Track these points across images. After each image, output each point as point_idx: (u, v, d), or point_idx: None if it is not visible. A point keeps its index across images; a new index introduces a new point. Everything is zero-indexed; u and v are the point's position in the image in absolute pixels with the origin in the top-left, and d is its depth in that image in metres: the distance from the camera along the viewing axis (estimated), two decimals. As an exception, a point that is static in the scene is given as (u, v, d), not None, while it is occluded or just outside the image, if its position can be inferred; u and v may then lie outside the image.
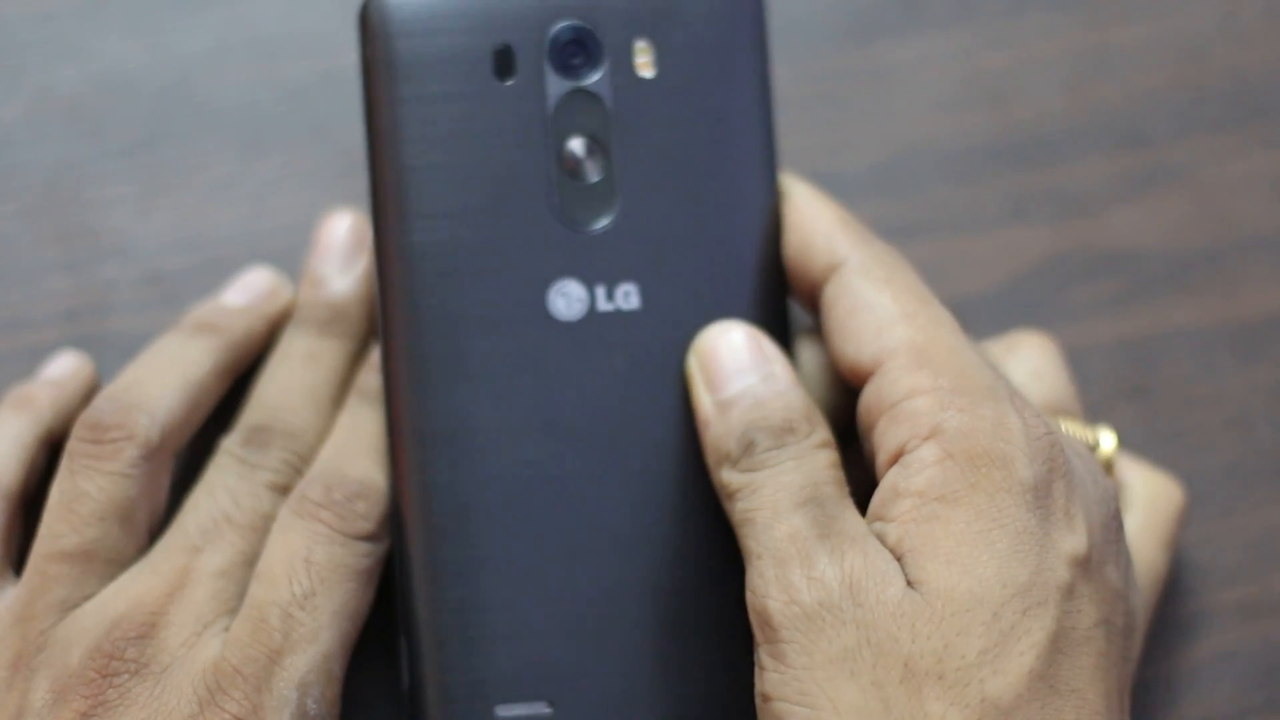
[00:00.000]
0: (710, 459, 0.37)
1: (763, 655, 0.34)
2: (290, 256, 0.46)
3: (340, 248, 0.42)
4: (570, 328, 0.39)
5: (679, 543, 0.38)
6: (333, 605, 0.37)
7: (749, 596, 0.35)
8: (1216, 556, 0.45)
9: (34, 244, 0.46)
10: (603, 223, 0.39)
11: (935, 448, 0.35)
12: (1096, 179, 0.48)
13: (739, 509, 0.36)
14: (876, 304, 0.37)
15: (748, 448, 0.36)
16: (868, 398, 0.36)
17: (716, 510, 0.38)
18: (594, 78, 0.39)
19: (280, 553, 0.37)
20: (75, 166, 0.46)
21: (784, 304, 0.39)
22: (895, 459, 0.35)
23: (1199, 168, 0.48)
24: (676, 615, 0.38)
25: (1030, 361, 0.41)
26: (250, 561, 0.38)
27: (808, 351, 0.40)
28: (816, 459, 0.36)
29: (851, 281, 0.38)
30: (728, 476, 0.36)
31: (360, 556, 0.38)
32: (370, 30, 0.39)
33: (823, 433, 0.37)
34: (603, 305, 0.39)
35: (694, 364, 0.38)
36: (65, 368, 0.43)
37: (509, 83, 0.39)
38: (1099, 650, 0.34)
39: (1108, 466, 0.41)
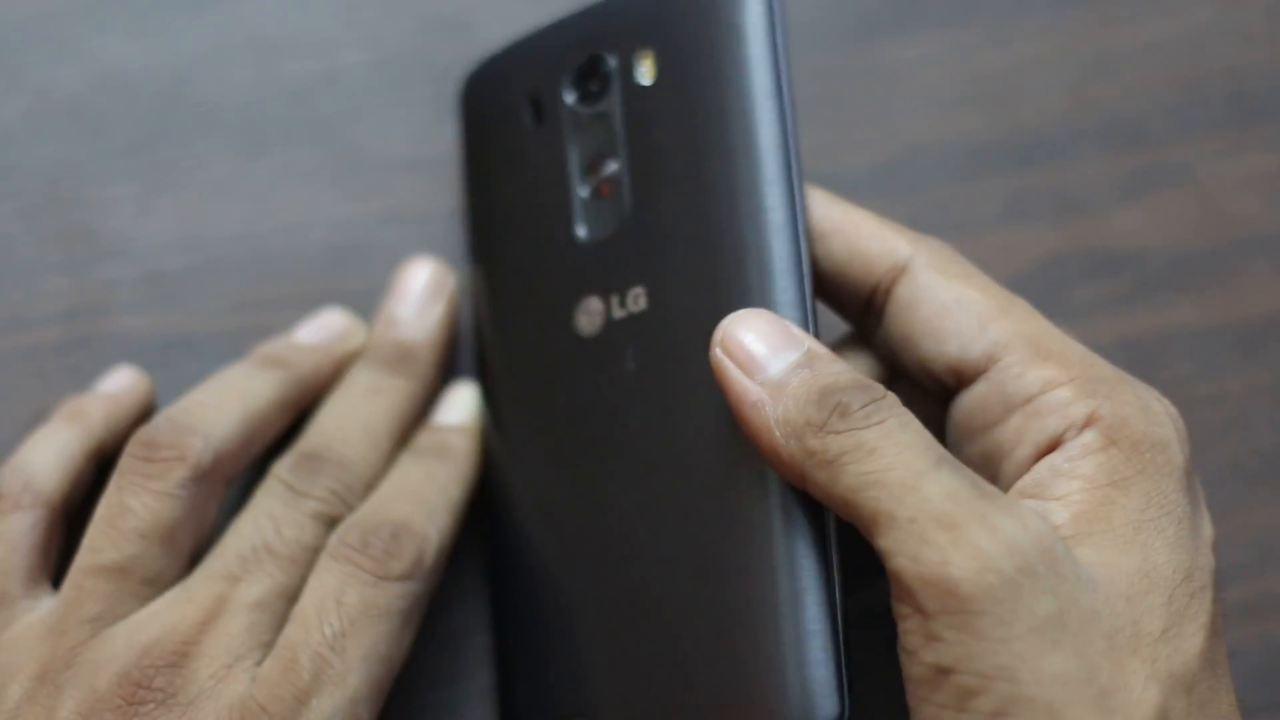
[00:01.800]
0: (779, 435, 0.34)
1: (939, 627, 0.32)
2: (289, 256, 0.46)
3: (417, 292, 0.43)
4: (593, 342, 0.39)
5: (696, 539, 0.37)
6: (362, 648, 0.37)
7: (911, 566, 0.32)
8: (1218, 555, 0.45)
9: (34, 244, 0.46)
10: (615, 235, 0.39)
11: (1097, 435, 0.35)
12: (1097, 179, 0.48)
13: (852, 473, 0.33)
14: (970, 300, 0.37)
15: (838, 409, 0.34)
16: (984, 396, 0.36)
17: (729, 501, 0.37)
18: (605, 98, 0.40)
19: (315, 594, 0.37)
20: (75, 166, 0.46)
21: (805, 303, 0.38)
22: (1048, 449, 0.35)
23: (1200, 168, 0.48)
24: (696, 610, 0.37)
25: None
26: (288, 594, 0.38)
27: None
28: (914, 419, 0.34)
29: (932, 280, 0.37)
30: (819, 442, 0.34)
31: (394, 598, 0.37)
32: (460, 104, 0.44)
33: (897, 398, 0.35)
34: (617, 313, 0.39)
35: (721, 356, 0.36)
36: (122, 382, 0.43)
37: (543, 125, 0.41)
38: (1220, 631, 0.35)
39: None
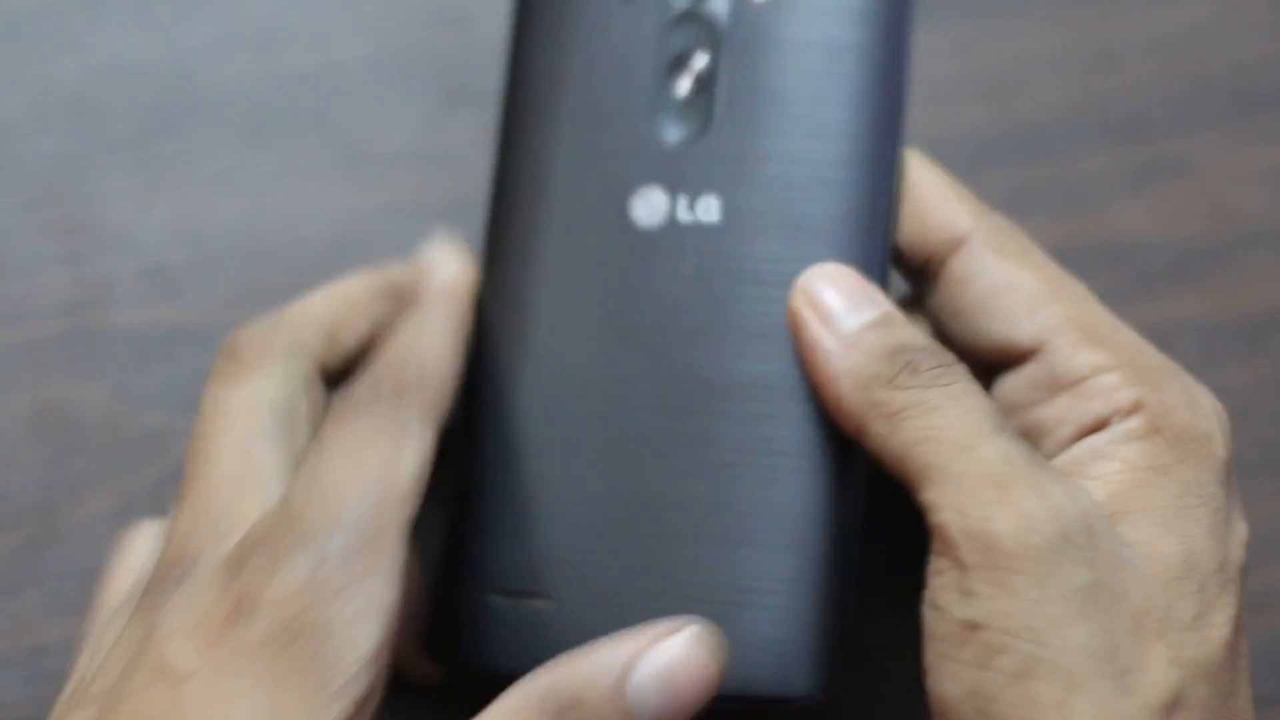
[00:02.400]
0: (845, 384, 0.35)
1: (974, 582, 0.32)
2: (290, 249, 0.46)
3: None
4: (648, 235, 0.38)
5: (713, 453, 0.37)
6: (350, 466, 0.35)
7: (953, 517, 0.33)
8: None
9: (34, 236, 0.46)
10: (696, 137, 0.39)
11: (1142, 421, 0.35)
12: (1098, 172, 0.48)
13: (912, 426, 0.34)
14: (1022, 282, 0.37)
15: (908, 366, 0.35)
16: (1031, 377, 0.36)
17: (765, 436, 0.37)
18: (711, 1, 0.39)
19: (308, 450, 0.37)
20: (76, 159, 0.46)
21: (882, 251, 0.38)
22: (1091, 431, 0.35)
23: (1201, 161, 0.48)
24: (697, 522, 0.37)
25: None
26: None
27: None
28: (979, 388, 0.35)
29: (986, 258, 0.37)
30: (885, 395, 0.35)
31: (378, 423, 0.36)
32: None
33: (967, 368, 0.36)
34: (683, 215, 0.38)
35: (801, 302, 0.36)
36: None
37: (634, 3, 0.40)
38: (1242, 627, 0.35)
39: None
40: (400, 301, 0.40)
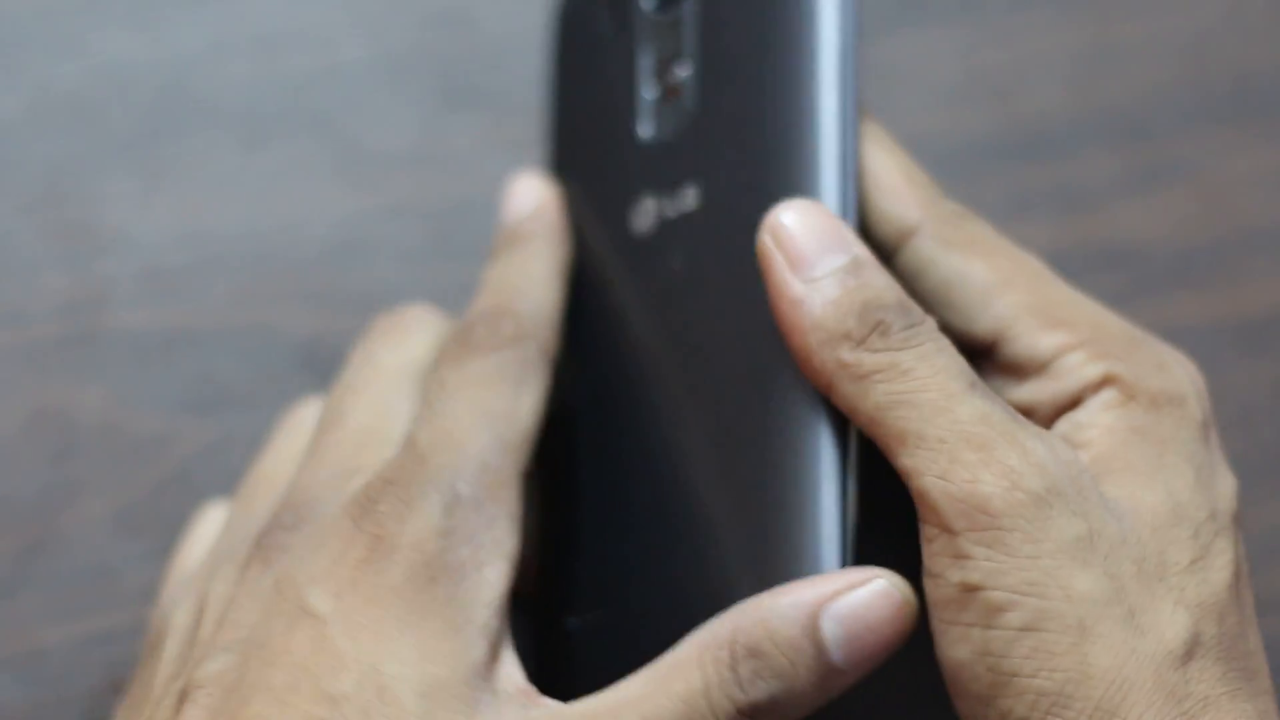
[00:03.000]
0: (812, 339, 0.34)
1: (966, 545, 0.32)
2: (290, 251, 0.46)
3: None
4: (644, 242, 0.39)
5: (725, 439, 0.36)
6: (473, 409, 0.36)
7: (935, 482, 0.32)
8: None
9: (33, 238, 0.46)
10: (675, 135, 0.39)
11: (1114, 392, 0.34)
12: (1099, 174, 0.48)
13: (884, 390, 0.33)
14: (972, 274, 0.36)
15: (877, 326, 0.34)
16: (1000, 365, 0.36)
17: (762, 404, 0.36)
18: (680, 4, 0.40)
19: (426, 389, 0.37)
20: (75, 161, 0.46)
21: (853, 207, 0.37)
22: (1067, 409, 0.35)
23: (1203, 163, 0.48)
24: (713, 511, 0.36)
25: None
26: None
27: None
28: (950, 345, 0.34)
29: (935, 252, 0.36)
30: (854, 356, 0.33)
31: (492, 365, 0.36)
32: (551, 20, 0.43)
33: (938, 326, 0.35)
34: (668, 213, 0.38)
35: (769, 242, 0.35)
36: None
37: (620, 32, 0.40)
38: (1248, 583, 0.35)
39: None
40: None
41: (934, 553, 0.33)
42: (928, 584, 0.33)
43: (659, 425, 0.38)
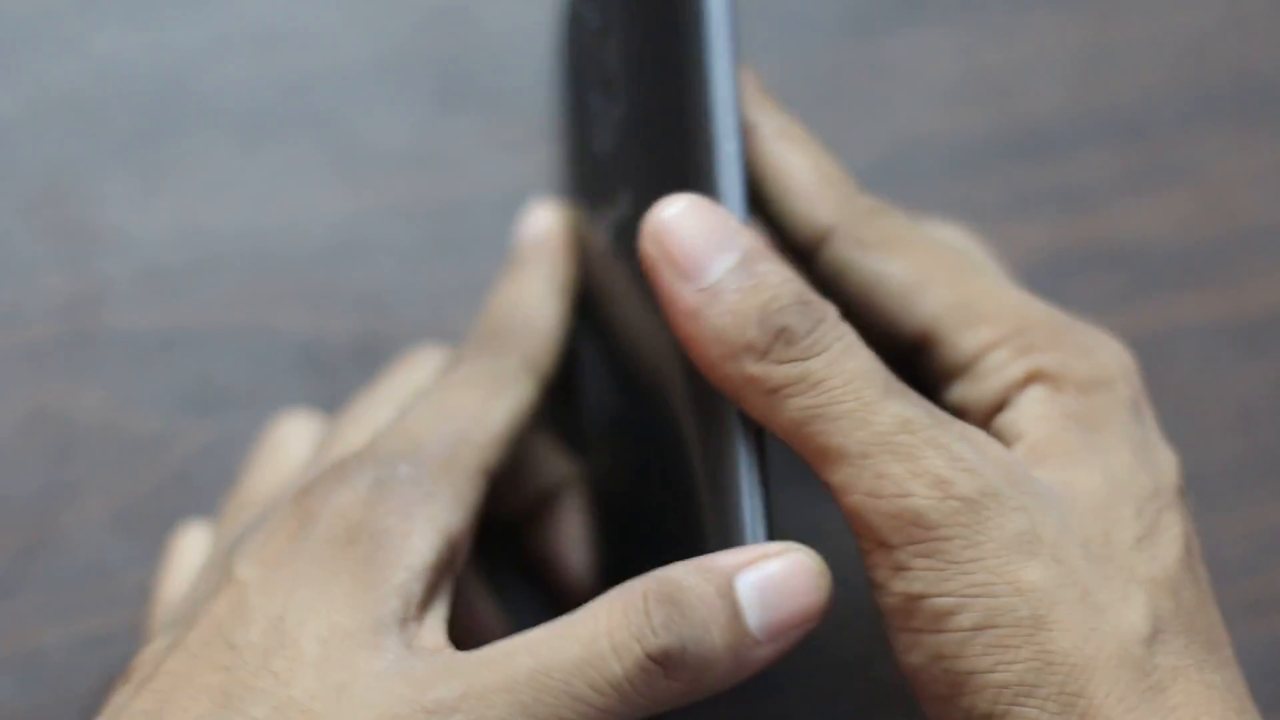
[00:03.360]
0: (713, 352, 0.32)
1: (905, 558, 0.31)
2: (289, 251, 0.46)
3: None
4: (610, 248, 0.39)
5: (686, 450, 0.36)
6: (439, 409, 0.36)
7: (864, 500, 0.32)
8: (1220, 552, 0.45)
9: (32, 238, 0.46)
10: (615, 139, 0.39)
11: (1039, 388, 0.34)
12: (1099, 174, 0.48)
13: (797, 405, 0.32)
14: (892, 275, 0.35)
15: (781, 334, 0.32)
16: (929, 365, 0.35)
17: (687, 399, 0.35)
18: (598, 17, 0.40)
19: None
20: (73, 161, 0.46)
21: (743, 194, 0.35)
22: (996, 410, 0.34)
23: (1203, 163, 0.48)
24: (667, 506, 0.36)
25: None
26: None
27: None
28: (857, 340, 0.33)
29: (850, 255, 0.35)
30: (760, 370, 0.32)
31: (474, 373, 0.37)
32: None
33: (849, 324, 0.34)
34: (617, 220, 0.38)
35: (653, 250, 0.33)
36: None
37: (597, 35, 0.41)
38: (1199, 556, 0.34)
39: None
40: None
41: (874, 565, 0.32)
42: (874, 595, 0.32)
43: (634, 429, 0.38)
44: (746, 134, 0.36)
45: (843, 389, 0.32)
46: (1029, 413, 0.34)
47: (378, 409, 0.39)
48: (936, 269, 0.35)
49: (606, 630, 0.32)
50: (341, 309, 0.45)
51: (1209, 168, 0.48)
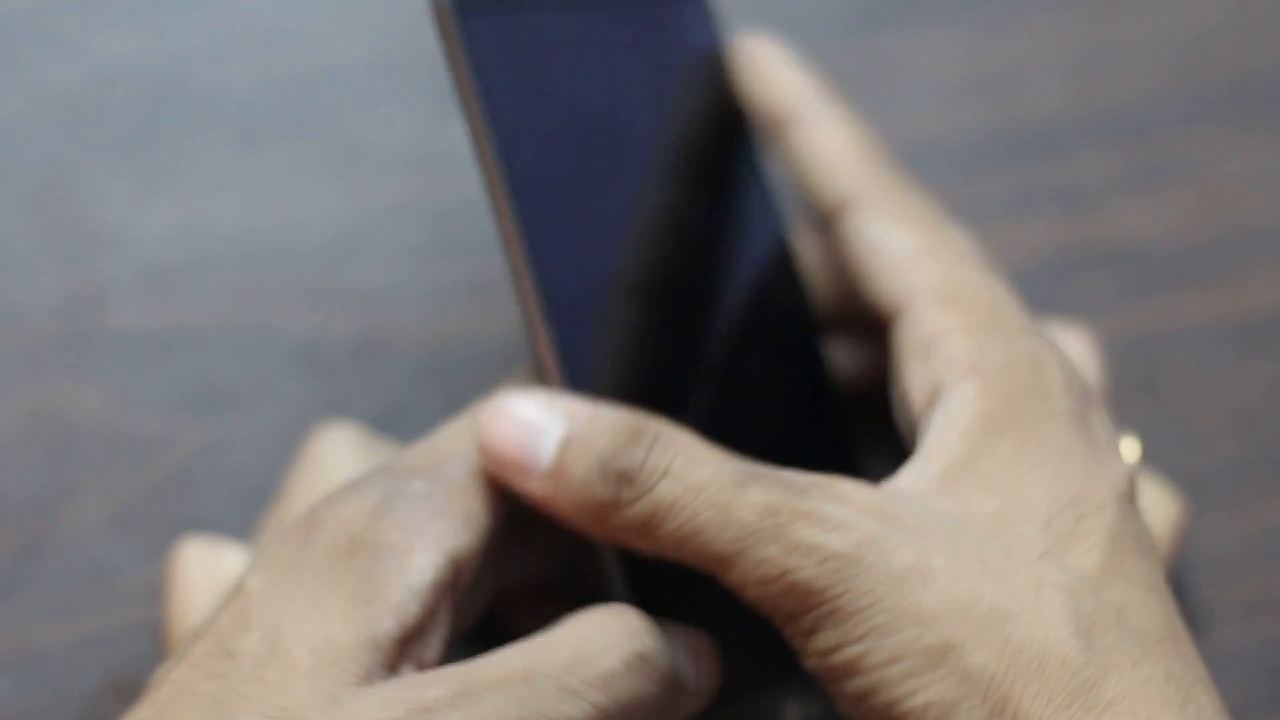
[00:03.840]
0: (584, 521, 0.34)
1: (809, 623, 0.32)
2: (288, 251, 0.46)
3: None
4: None
5: None
6: (467, 432, 0.36)
7: (757, 590, 0.33)
8: (1220, 553, 0.45)
9: (31, 238, 0.46)
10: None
11: (975, 384, 0.35)
12: (1100, 174, 0.48)
13: (665, 533, 0.33)
14: (893, 243, 0.37)
15: (620, 479, 0.33)
16: (898, 340, 0.36)
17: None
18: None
19: None
20: (72, 161, 0.46)
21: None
22: (932, 398, 0.35)
23: (1203, 163, 0.48)
24: None
25: (1070, 352, 0.41)
26: None
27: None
28: (693, 443, 0.34)
29: (866, 220, 0.37)
30: (623, 519, 0.33)
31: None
32: None
33: (663, 420, 0.35)
34: None
35: (493, 466, 0.35)
36: None
37: None
38: (1154, 556, 0.34)
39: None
40: None
41: (790, 638, 0.33)
42: (807, 669, 0.33)
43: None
44: (788, 121, 0.39)
45: (697, 500, 0.33)
46: (958, 418, 0.34)
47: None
48: (937, 249, 0.37)
49: (597, 630, 0.33)
50: (341, 308, 0.45)
51: (1209, 168, 0.48)
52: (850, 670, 0.32)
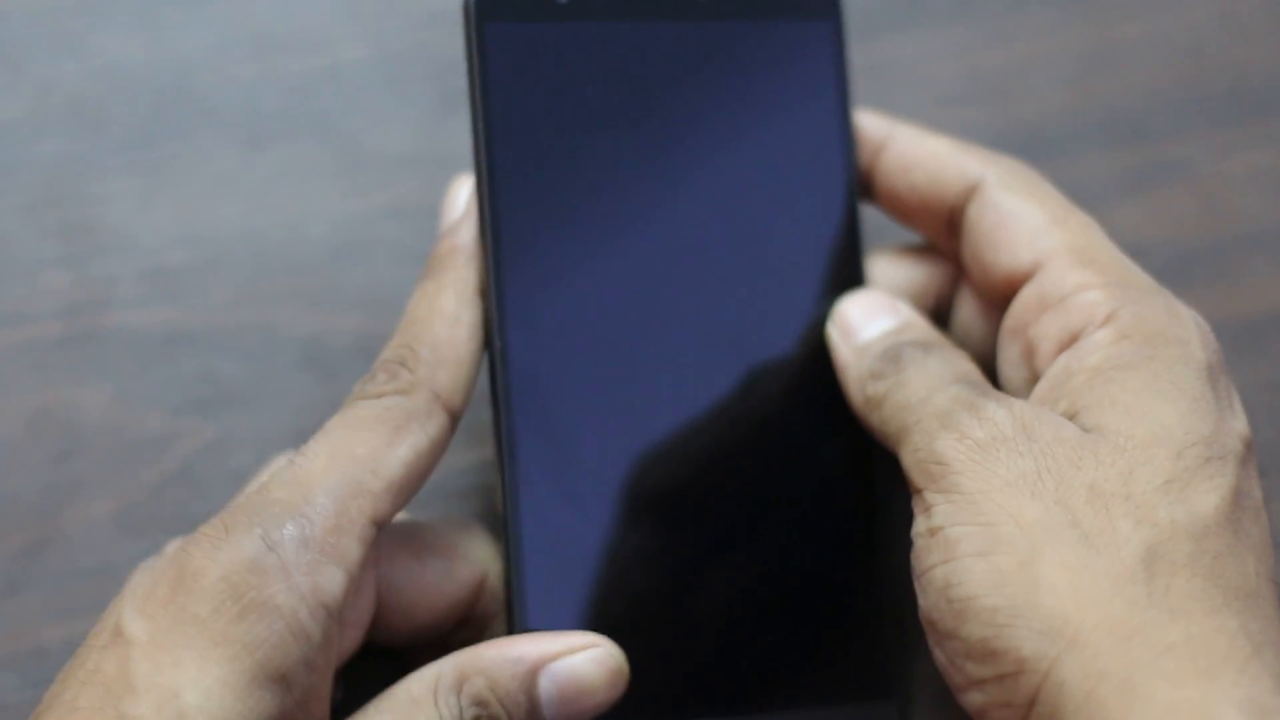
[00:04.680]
0: (854, 393, 0.39)
1: (929, 496, 0.35)
2: (291, 252, 0.46)
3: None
4: None
5: None
6: (334, 451, 0.36)
7: (911, 457, 0.36)
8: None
9: (35, 239, 0.46)
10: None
11: (1111, 330, 0.36)
12: (1098, 175, 0.48)
13: (889, 405, 0.37)
14: (1025, 213, 0.39)
15: (894, 358, 0.38)
16: (1027, 298, 0.38)
17: None
18: None
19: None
20: (76, 162, 0.46)
21: None
22: (1066, 346, 0.37)
23: (1200, 164, 0.48)
24: None
25: None
26: None
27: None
28: (960, 359, 0.38)
29: (994, 195, 0.39)
30: (873, 388, 0.38)
31: (378, 412, 0.36)
32: None
33: (962, 351, 0.38)
34: None
35: (832, 330, 0.40)
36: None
37: None
38: (1263, 524, 0.35)
39: None
40: None
41: (915, 516, 0.35)
42: (912, 556, 0.35)
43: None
44: (884, 141, 0.41)
45: (919, 383, 0.37)
46: (1087, 362, 0.36)
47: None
48: (1068, 218, 0.39)
49: (420, 703, 0.35)
50: (343, 309, 0.45)
51: (1207, 169, 0.48)
52: (946, 553, 0.34)
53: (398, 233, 0.46)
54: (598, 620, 0.37)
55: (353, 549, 0.35)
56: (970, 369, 0.38)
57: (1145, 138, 0.48)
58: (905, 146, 0.41)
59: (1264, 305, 0.47)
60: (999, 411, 0.35)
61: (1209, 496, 0.34)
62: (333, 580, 0.34)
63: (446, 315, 0.38)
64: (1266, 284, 0.47)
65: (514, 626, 0.37)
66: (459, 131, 0.47)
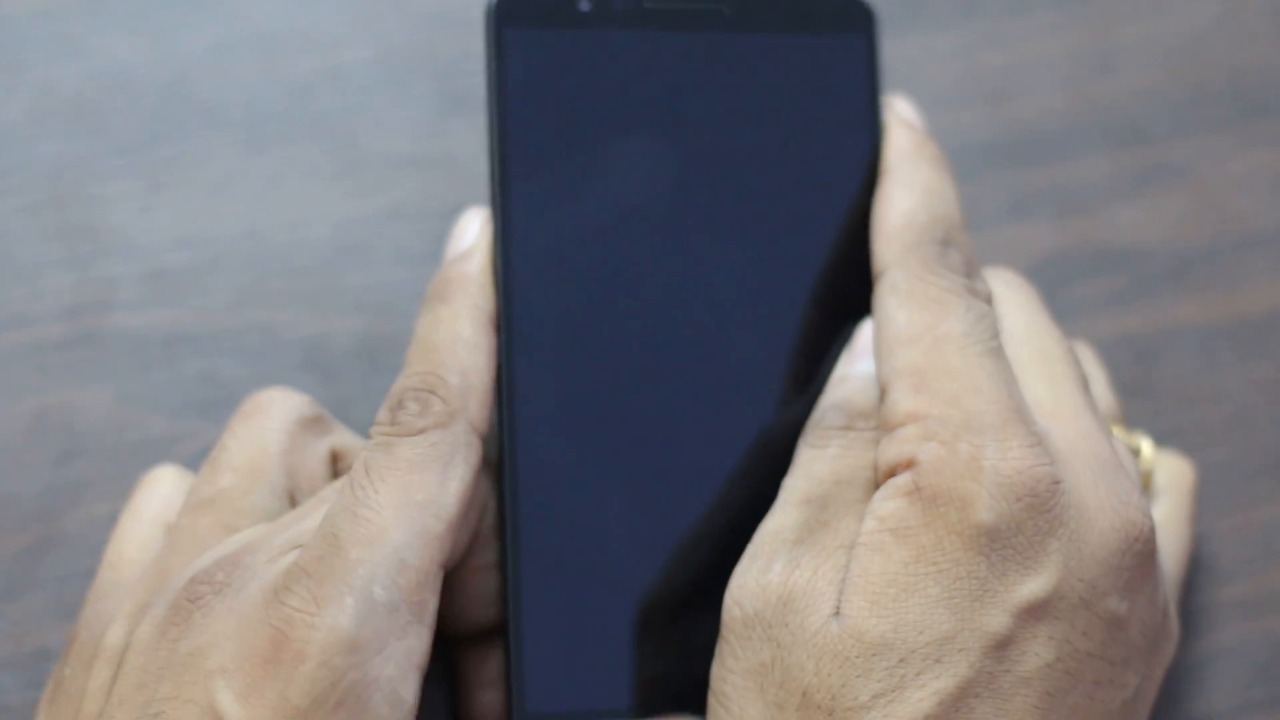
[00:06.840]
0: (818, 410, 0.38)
1: (718, 643, 0.35)
2: (292, 253, 0.46)
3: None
4: None
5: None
6: (397, 499, 0.35)
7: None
8: (1218, 553, 0.45)
9: (36, 241, 0.46)
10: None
11: (909, 479, 0.35)
12: (1097, 176, 0.48)
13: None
14: (893, 321, 0.37)
15: (816, 422, 0.37)
16: (881, 416, 0.37)
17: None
18: None
19: (350, 471, 0.36)
20: (77, 163, 0.46)
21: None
22: (884, 479, 0.36)
23: (1199, 165, 0.48)
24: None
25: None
26: None
27: None
28: (863, 455, 0.36)
29: (880, 294, 0.38)
30: (799, 448, 0.37)
31: (420, 448, 0.36)
32: None
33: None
34: None
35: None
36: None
37: None
38: (1045, 690, 0.34)
39: (1147, 476, 0.41)
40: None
41: None
42: None
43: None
44: (882, 174, 0.40)
45: (793, 481, 0.37)
46: (879, 511, 0.35)
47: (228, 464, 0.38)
48: (929, 333, 0.36)
49: None
50: (344, 311, 0.45)
51: (1206, 170, 0.48)
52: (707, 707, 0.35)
53: (399, 234, 0.46)
54: (603, 626, 0.37)
55: (430, 603, 0.35)
56: (861, 470, 0.37)
57: (1145, 139, 0.48)
58: (880, 191, 0.39)
59: (1264, 305, 0.47)
60: (776, 579, 0.35)
61: (920, 704, 0.33)
62: (420, 639, 0.34)
63: (467, 341, 0.37)
64: (1266, 284, 0.47)
65: (509, 648, 0.37)
66: (461, 133, 0.47)
